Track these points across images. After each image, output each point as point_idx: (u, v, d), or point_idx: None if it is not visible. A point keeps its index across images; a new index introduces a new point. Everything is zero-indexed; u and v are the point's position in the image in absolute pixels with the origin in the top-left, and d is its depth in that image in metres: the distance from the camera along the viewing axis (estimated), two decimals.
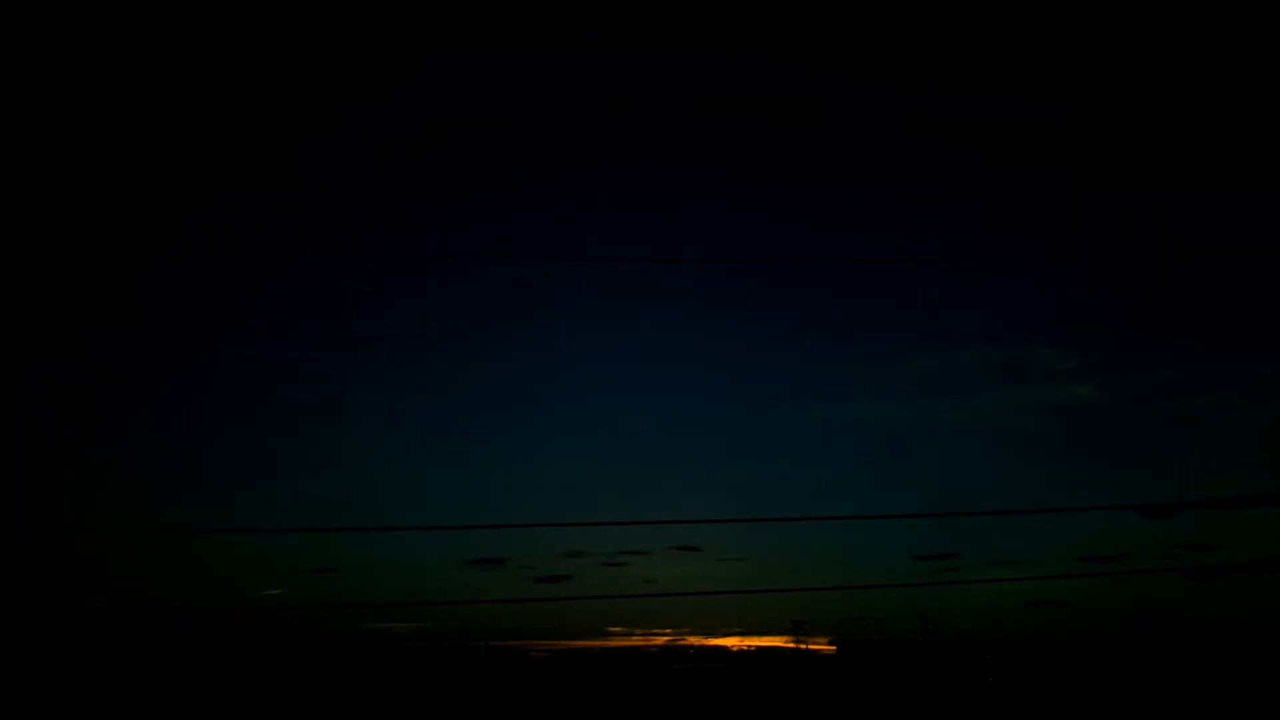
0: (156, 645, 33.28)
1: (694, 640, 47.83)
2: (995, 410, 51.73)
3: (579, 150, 44.67)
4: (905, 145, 44.25)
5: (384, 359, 52.22)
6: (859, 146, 44.68)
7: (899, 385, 53.66)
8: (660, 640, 47.81)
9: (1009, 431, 51.09)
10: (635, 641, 47.63)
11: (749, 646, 47.75)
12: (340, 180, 42.54)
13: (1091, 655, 41.19)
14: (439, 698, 39.21)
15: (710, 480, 51.38)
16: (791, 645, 46.76)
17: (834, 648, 46.22)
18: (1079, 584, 38.64)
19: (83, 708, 29.39)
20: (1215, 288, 44.62)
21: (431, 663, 42.36)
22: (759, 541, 45.66)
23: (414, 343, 51.92)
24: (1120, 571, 37.67)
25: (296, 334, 48.97)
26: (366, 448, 51.50)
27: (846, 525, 52.72)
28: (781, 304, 52.98)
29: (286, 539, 37.59)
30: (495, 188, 46.78)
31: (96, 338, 36.68)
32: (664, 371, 54.27)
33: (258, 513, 44.72)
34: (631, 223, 47.86)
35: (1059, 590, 37.26)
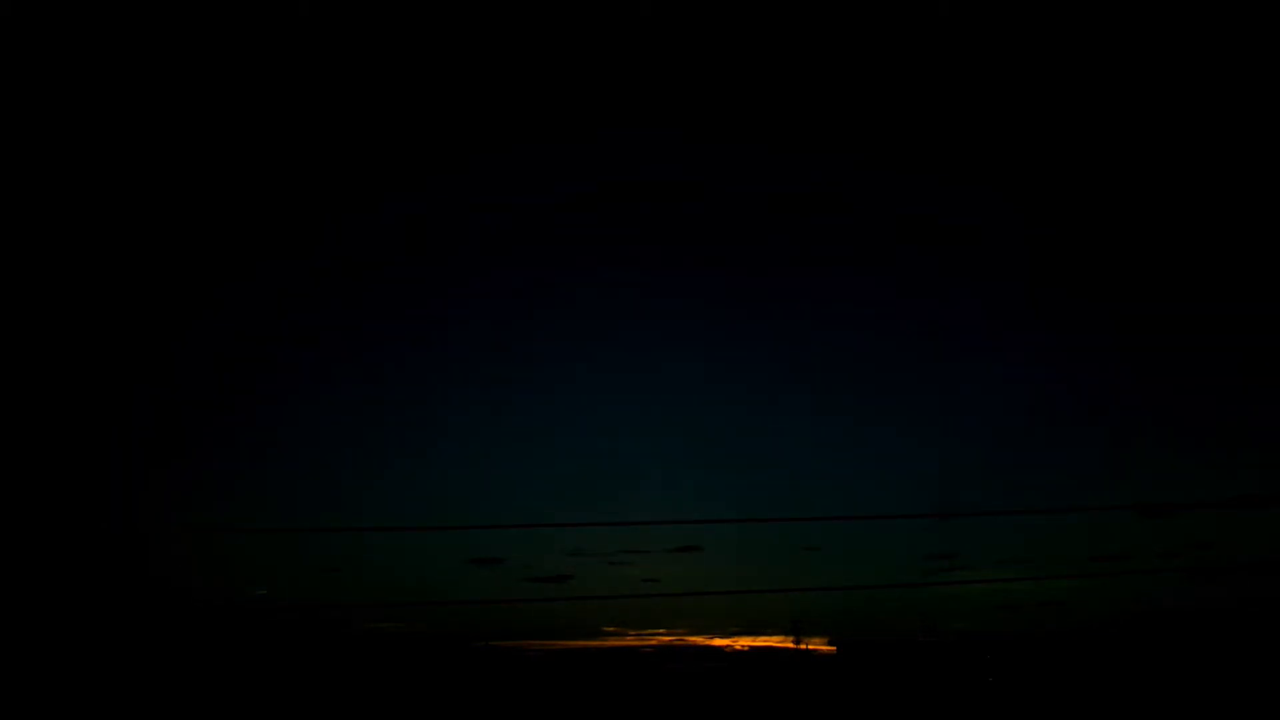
0: (154, 644, 33.29)
1: (693, 640, 47.75)
2: (995, 409, 51.58)
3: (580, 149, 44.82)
4: (905, 151, 44.39)
5: (384, 359, 52.21)
6: (858, 148, 44.70)
7: (898, 385, 53.57)
8: (660, 640, 47.76)
9: (1009, 431, 50.95)
10: (634, 641, 47.57)
11: (748, 646, 47.69)
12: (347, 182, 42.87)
13: (1091, 655, 41.17)
14: (438, 698, 39.22)
15: (710, 480, 51.30)
16: (791, 645, 46.69)
17: (834, 648, 46.14)
18: (1079, 584, 38.57)
19: (79, 706, 29.43)
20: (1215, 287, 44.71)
21: (431, 663, 42.34)
22: (759, 541, 45.56)
23: (414, 342, 51.86)
24: (1120, 571, 37.75)
25: (295, 333, 48.95)
26: (366, 447, 51.39)
27: (847, 525, 52.61)
28: (782, 305, 52.89)
29: (286, 538, 37.53)
30: (495, 181, 46.86)
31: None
32: (665, 371, 54.14)
33: (257, 512, 44.61)
34: (631, 216, 47.93)
35: (1059, 590, 37.16)
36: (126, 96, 34.25)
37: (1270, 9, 33.28)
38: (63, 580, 29.78)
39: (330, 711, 36.21)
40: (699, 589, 47.90)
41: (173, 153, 37.65)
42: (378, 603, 46.95)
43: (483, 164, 44.88)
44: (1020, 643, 42.35)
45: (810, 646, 46.21)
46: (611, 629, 47.18)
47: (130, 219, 37.97)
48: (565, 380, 53.00)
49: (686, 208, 47.69)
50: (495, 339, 52.36)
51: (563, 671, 45.14)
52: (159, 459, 40.22)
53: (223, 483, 44.99)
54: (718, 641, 47.71)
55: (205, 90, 35.45)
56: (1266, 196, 39.97)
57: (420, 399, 52.31)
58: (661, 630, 47.61)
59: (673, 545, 42.98)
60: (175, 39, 32.75)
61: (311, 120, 39.33)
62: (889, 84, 40.03)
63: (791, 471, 52.33)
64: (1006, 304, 50.69)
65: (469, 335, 52.29)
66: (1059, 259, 47.49)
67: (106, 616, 31.39)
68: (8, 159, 32.36)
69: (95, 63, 32.24)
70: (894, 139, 43.71)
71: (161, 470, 40.33)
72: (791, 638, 46.53)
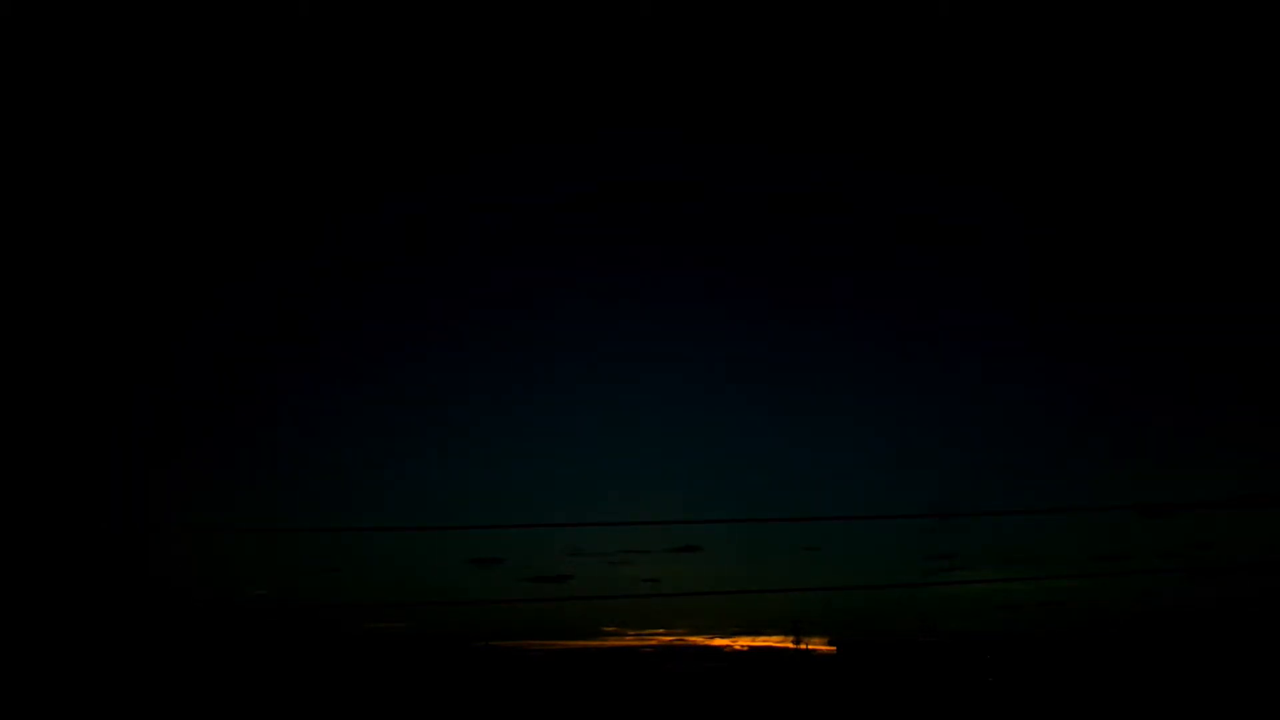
0: (154, 644, 33.30)
1: (693, 640, 47.75)
2: (995, 409, 51.59)
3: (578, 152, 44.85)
4: (905, 151, 44.39)
5: (384, 359, 52.21)
6: (858, 148, 44.69)
7: (898, 385, 53.56)
8: (660, 640, 47.76)
9: (1010, 431, 50.96)
10: (634, 641, 47.56)
11: (748, 646, 47.70)
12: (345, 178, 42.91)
13: (1091, 655, 41.19)
14: (438, 698, 39.22)
15: (710, 480, 51.30)
16: (791, 645, 46.69)
17: (834, 648, 46.15)
18: (1079, 584, 38.56)
19: (79, 706, 29.44)
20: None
21: (431, 663, 42.34)
22: (759, 541, 45.56)
23: (414, 342, 51.88)
24: (1120, 571, 37.74)
25: (295, 333, 48.94)
26: (366, 447, 51.39)
27: (847, 525, 52.57)
28: (782, 305, 52.87)
29: (286, 538, 37.49)
30: (495, 181, 46.88)
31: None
32: (666, 372, 54.15)
33: (257, 512, 44.61)
34: (631, 216, 47.93)
35: (1059, 590, 37.15)
36: (126, 96, 34.32)
37: (1270, 9, 33.31)
38: (63, 580, 29.79)
39: (330, 712, 36.22)
40: (699, 589, 47.87)
41: (172, 153, 37.75)
42: (378, 603, 46.91)
43: (483, 164, 44.92)
44: (1020, 643, 42.36)
45: (810, 646, 46.23)
46: (611, 629, 47.19)
47: (130, 219, 38.06)
48: (565, 380, 53.02)
49: (686, 208, 47.74)
50: (495, 339, 52.40)
51: (563, 671, 45.16)
52: (159, 459, 40.18)
53: (223, 483, 45.01)
54: (718, 641, 47.73)
55: (205, 90, 35.54)
56: (1266, 196, 39.99)
57: (420, 399, 52.29)
58: (661, 630, 47.63)
59: (673, 545, 43.00)
60: (175, 39, 32.82)
61: (311, 120, 39.39)
62: (889, 84, 40.07)
63: (791, 471, 52.38)
64: (1006, 304, 50.68)
65: (469, 335, 52.32)
66: (1059, 259, 47.50)
67: (106, 616, 31.40)
68: (8, 159, 32.41)
69: (95, 63, 32.30)
70: (894, 139, 43.74)
71: (161, 470, 40.27)
72: (791, 638, 46.56)
